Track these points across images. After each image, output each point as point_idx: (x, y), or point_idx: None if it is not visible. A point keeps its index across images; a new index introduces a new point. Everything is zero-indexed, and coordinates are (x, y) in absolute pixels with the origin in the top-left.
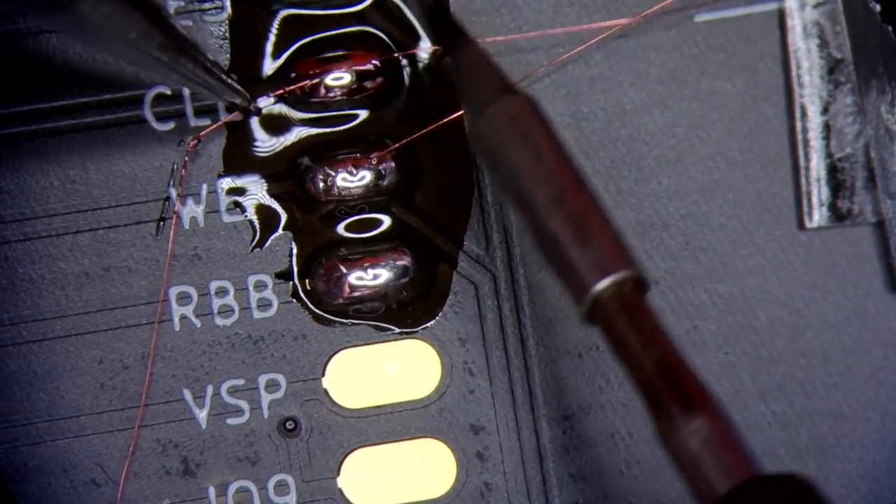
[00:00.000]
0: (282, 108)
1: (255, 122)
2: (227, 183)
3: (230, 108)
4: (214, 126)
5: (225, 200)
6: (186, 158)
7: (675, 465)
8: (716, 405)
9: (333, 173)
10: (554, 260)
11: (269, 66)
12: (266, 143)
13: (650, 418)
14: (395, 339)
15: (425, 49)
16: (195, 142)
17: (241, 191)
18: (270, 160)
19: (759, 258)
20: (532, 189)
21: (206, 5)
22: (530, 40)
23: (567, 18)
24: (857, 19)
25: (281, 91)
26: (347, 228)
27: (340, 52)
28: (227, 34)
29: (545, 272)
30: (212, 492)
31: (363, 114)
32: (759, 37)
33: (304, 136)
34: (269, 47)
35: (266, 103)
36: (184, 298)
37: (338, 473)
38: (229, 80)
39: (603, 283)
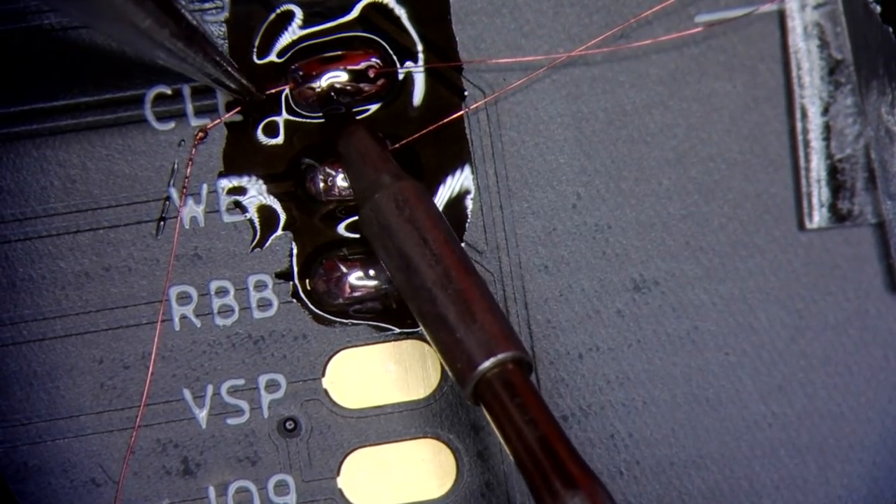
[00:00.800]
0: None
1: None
2: (227, 183)
3: (234, 101)
4: (226, 117)
5: (225, 200)
6: (193, 151)
7: None
8: (595, 481)
9: (334, 173)
10: (440, 341)
11: (271, 67)
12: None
13: (533, 495)
14: (396, 339)
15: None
16: (202, 134)
17: (241, 191)
18: (271, 160)
19: (760, 259)
20: (419, 272)
21: (207, 5)
22: (530, 40)
23: (567, 19)
24: (858, 20)
25: (290, 85)
26: (348, 228)
27: (340, 53)
28: (227, 34)
29: (546, 274)
30: (212, 491)
31: (363, 114)
32: (760, 38)
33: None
34: (271, 49)
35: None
36: (184, 298)
37: (338, 473)
38: (238, 72)
39: (487, 363)
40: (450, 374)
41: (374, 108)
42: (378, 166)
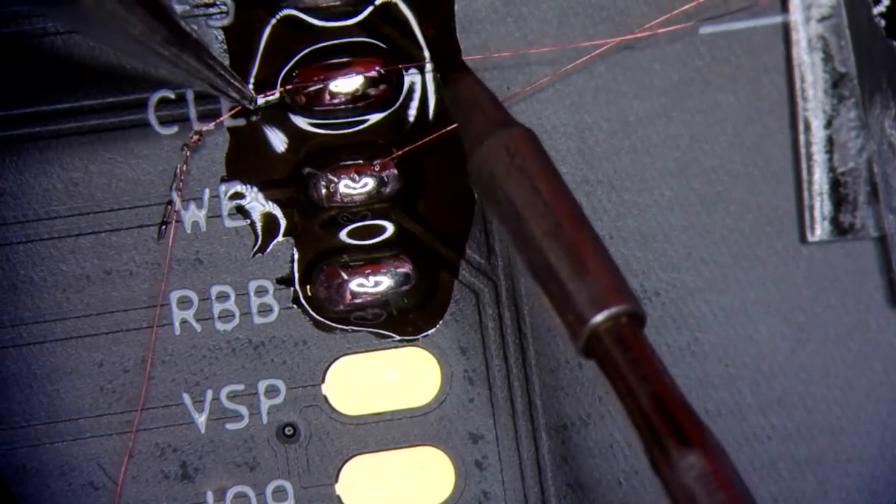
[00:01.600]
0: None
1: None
2: (229, 188)
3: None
4: (217, 122)
5: (227, 205)
6: (188, 154)
7: (670, 499)
8: (712, 441)
9: (336, 180)
10: (551, 293)
11: (273, 72)
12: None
13: (645, 452)
14: (396, 347)
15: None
16: (196, 136)
17: (243, 196)
18: (273, 166)
19: (761, 271)
20: (529, 222)
21: (212, 10)
22: (535, 49)
23: (572, 29)
24: (862, 34)
25: (281, 90)
26: (349, 235)
27: (344, 59)
28: (231, 39)
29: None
30: (210, 497)
31: (366, 121)
32: (764, 50)
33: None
34: (273, 53)
35: (267, 99)
36: (185, 303)
37: (336, 480)
38: (232, 78)
39: (600, 317)
40: (561, 327)
41: (377, 115)
42: (488, 113)
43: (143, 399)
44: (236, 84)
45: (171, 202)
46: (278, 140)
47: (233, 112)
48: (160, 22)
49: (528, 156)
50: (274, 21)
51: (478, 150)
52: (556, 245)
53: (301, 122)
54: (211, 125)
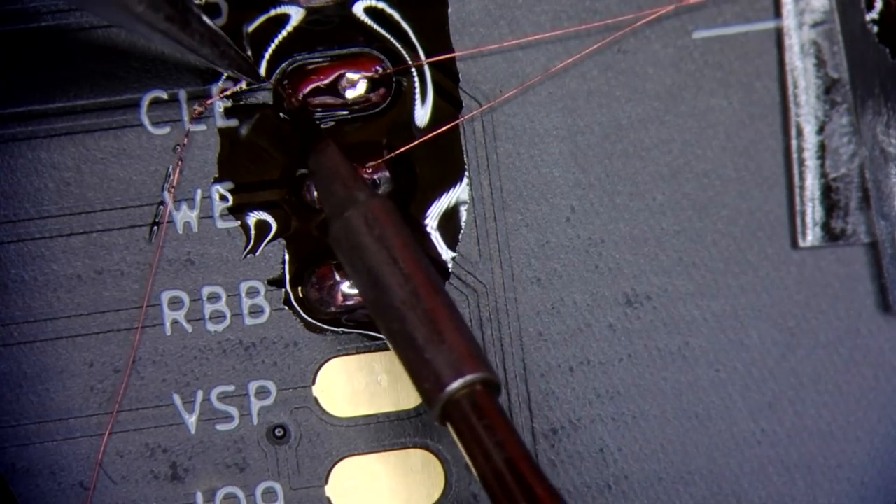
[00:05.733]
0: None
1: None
2: (221, 188)
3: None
4: (222, 95)
5: (219, 206)
6: (189, 128)
7: None
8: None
9: None
10: (409, 360)
11: (267, 74)
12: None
13: None
14: (386, 349)
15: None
16: (201, 109)
17: (235, 196)
18: (265, 167)
19: (752, 276)
20: (387, 291)
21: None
22: (527, 52)
23: (565, 32)
24: (855, 40)
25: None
26: None
27: (337, 61)
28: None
29: (538, 286)
30: (199, 497)
31: (358, 123)
32: (757, 55)
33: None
34: (267, 54)
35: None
36: (176, 303)
37: (326, 482)
38: (236, 54)
39: (456, 384)
40: (418, 394)
41: (369, 117)
42: (349, 184)
43: (120, 399)
44: (241, 61)
45: (162, 202)
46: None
47: (234, 90)
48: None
49: (387, 226)
50: (264, 21)
51: (338, 221)
52: (413, 313)
53: (294, 124)
54: (215, 98)
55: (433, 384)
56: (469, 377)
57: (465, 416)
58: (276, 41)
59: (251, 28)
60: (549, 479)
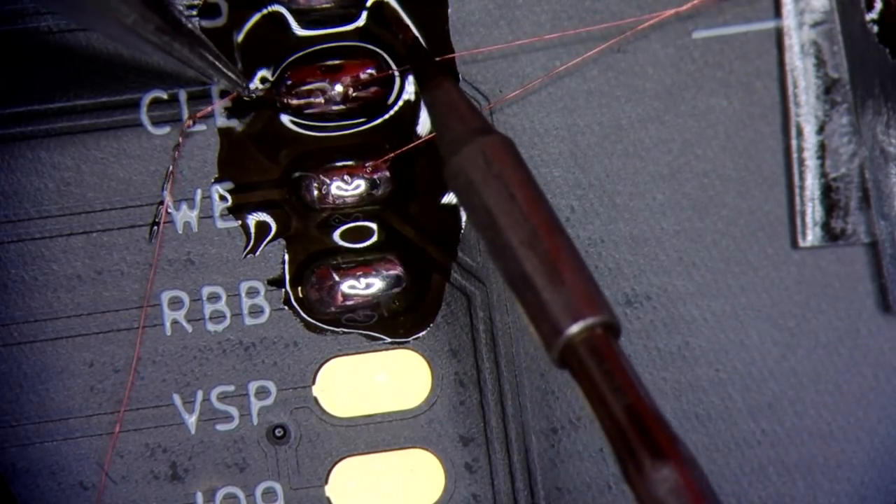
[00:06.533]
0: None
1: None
2: (221, 188)
3: (224, 94)
4: (209, 109)
5: (219, 206)
6: (181, 139)
7: None
8: (685, 453)
9: (328, 181)
10: (526, 302)
11: (265, 74)
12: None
13: (618, 463)
14: (386, 349)
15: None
16: (190, 121)
17: (235, 197)
18: (265, 167)
19: (752, 276)
20: (505, 230)
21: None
22: (527, 52)
23: (565, 32)
24: (855, 40)
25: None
26: (341, 237)
27: (337, 62)
28: (225, 39)
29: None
30: (199, 498)
31: (358, 123)
32: (757, 55)
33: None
34: (265, 55)
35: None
36: (175, 303)
37: (326, 482)
38: (225, 65)
39: (575, 328)
40: (535, 336)
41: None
42: (466, 119)
43: (125, 400)
44: (230, 73)
45: (162, 202)
46: (269, 141)
47: (225, 101)
48: (153, 10)
49: (506, 164)
50: (262, 21)
51: (455, 157)
52: (531, 254)
53: (292, 124)
54: (205, 112)
55: (551, 327)
56: (589, 320)
57: (583, 362)
58: (276, 41)
59: (247, 27)
60: (671, 426)
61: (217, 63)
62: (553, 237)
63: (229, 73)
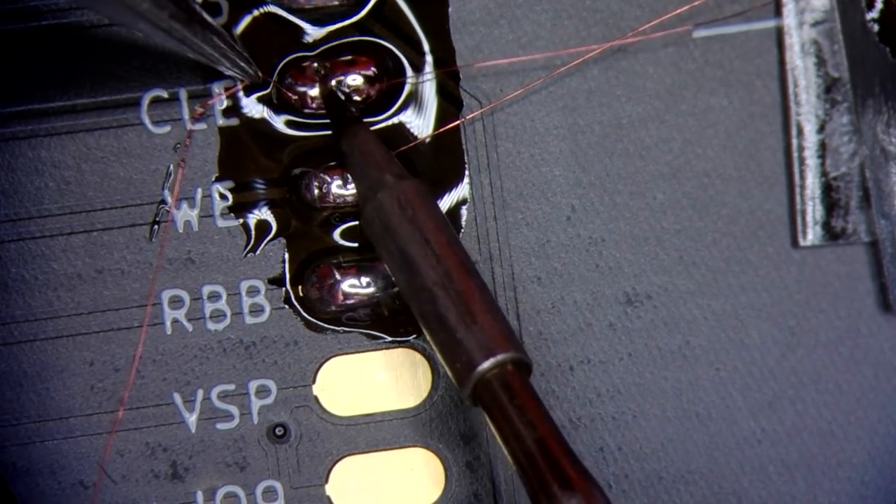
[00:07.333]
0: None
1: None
2: (221, 187)
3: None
4: (222, 95)
5: (219, 205)
6: (192, 127)
7: None
8: (592, 484)
9: (329, 180)
10: (440, 342)
11: (268, 72)
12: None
13: (530, 495)
14: (387, 348)
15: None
16: (202, 110)
17: (235, 196)
18: (266, 166)
19: (753, 275)
20: (420, 272)
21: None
22: (527, 52)
23: (565, 32)
24: (855, 39)
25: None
26: (342, 235)
27: (339, 60)
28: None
29: (538, 285)
30: (200, 496)
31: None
32: (757, 54)
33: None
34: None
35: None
36: (176, 302)
37: (326, 481)
38: (237, 54)
39: (487, 364)
40: (449, 374)
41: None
42: (381, 166)
43: (125, 399)
44: (241, 61)
45: (163, 201)
46: (270, 140)
47: (234, 90)
48: None
49: (420, 208)
50: (262, 19)
51: (371, 202)
52: (445, 294)
53: (293, 123)
54: (215, 99)
55: (464, 364)
56: (500, 357)
57: (495, 397)
58: (276, 41)
59: (242, 26)
60: (579, 459)
61: (229, 52)
62: (466, 279)
63: (240, 62)
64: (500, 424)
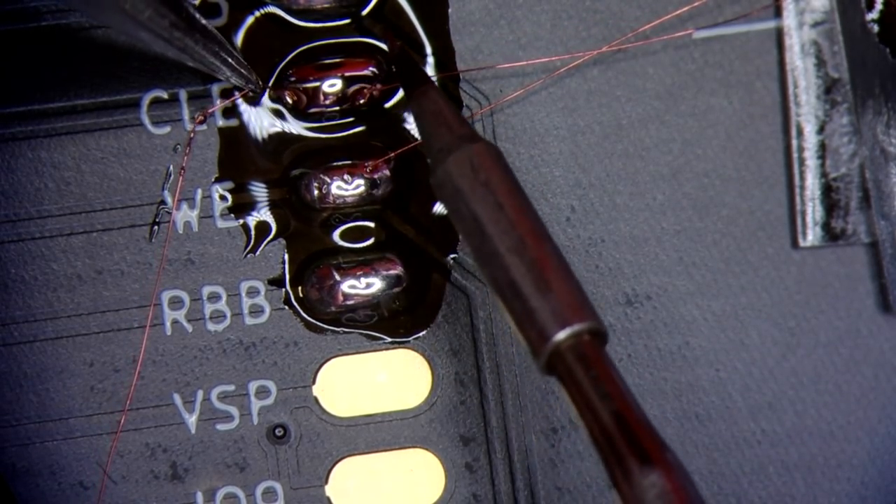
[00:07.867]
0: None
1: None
2: (221, 188)
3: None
4: (221, 105)
5: (219, 206)
6: (192, 135)
7: None
8: (671, 459)
9: (328, 181)
10: (513, 309)
11: (267, 73)
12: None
13: (606, 469)
14: (387, 349)
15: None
16: (201, 118)
17: (235, 196)
18: (266, 167)
19: (752, 276)
20: (492, 238)
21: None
22: (527, 52)
23: (565, 32)
24: (855, 39)
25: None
26: (341, 236)
27: (338, 60)
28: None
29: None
30: (199, 497)
31: (359, 122)
32: (757, 55)
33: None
34: (266, 53)
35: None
36: (176, 303)
37: (326, 482)
38: (237, 62)
39: (562, 334)
40: (522, 343)
41: (370, 117)
42: (453, 127)
43: (129, 400)
44: (241, 69)
45: (162, 202)
46: (270, 140)
47: (235, 98)
48: (168, 7)
49: (493, 171)
50: (263, 19)
51: (442, 165)
52: (519, 261)
53: (293, 124)
54: (216, 108)
55: (538, 334)
56: (576, 327)
57: (570, 368)
58: (276, 41)
59: (246, 26)
60: (659, 432)
61: (229, 59)
62: (540, 245)
63: (241, 70)
64: (575, 397)
